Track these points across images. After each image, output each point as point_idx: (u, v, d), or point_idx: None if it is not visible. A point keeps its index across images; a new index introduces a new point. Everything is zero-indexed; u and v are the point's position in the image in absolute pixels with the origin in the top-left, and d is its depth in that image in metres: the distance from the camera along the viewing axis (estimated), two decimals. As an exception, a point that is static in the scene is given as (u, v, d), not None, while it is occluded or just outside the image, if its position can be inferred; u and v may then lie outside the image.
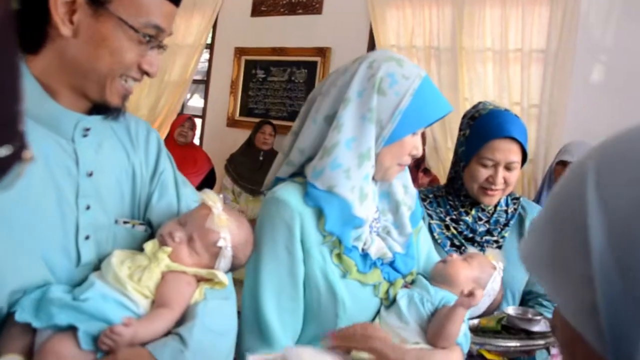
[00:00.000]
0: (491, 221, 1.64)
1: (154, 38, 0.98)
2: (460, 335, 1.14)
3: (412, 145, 1.16)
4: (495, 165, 1.52)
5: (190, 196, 1.19)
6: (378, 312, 1.19)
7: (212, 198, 1.11)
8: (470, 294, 1.12)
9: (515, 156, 1.52)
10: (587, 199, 0.45)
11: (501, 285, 1.34)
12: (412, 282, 1.26)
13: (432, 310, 1.16)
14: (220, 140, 4.99)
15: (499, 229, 1.64)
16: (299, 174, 1.20)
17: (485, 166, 1.53)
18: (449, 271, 1.26)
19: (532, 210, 1.70)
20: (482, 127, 1.53)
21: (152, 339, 0.97)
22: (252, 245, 1.17)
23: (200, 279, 1.08)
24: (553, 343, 1.48)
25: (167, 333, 1.00)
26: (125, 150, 1.11)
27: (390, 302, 1.20)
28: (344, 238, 1.12)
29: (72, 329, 0.90)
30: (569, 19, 3.25)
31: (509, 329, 1.41)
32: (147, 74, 1.01)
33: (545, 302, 1.64)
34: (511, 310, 1.45)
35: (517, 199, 1.71)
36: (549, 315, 1.59)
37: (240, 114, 4.98)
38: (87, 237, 1.02)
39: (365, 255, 1.16)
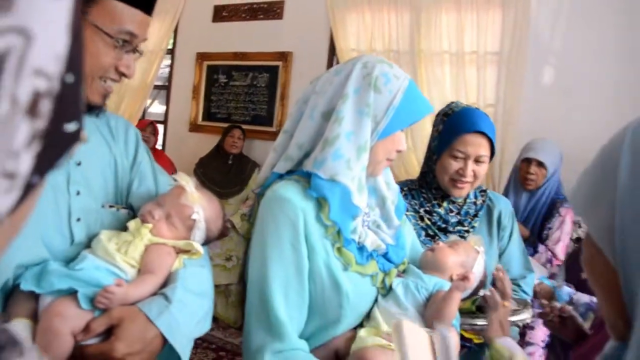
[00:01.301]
0: (461, 212, 1.75)
1: (128, 43, 1.10)
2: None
3: (400, 141, 1.24)
4: (466, 159, 1.63)
5: (166, 182, 1.35)
6: (375, 300, 1.25)
7: (185, 179, 1.27)
8: (465, 278, 1.21)
9: (485, 150, 1.63)
10: (623, 148, 0.59)
11: (484, 268, 1.44)
12: (404, 271, 1.33)
13: (427, 296, 1.24)
14: (183, 146, 4.99)
15: (469, 220, 1.76)
16: (294, 173, 1.23)
17: (456, 158, 1.64)
18: (438, 258, 1.34)
19: (498, 201, 1.83)
20: (454, 123, 1.65)
21: (140, 299, 1.11)
22: (222, 219, 1.34)
23: (179, 251, 1.23)
24: (522, 321, 1.61)
25: (153, 295, 1.15)
26: (107, 144, 1.25)
27: (386, 291, 1.26)
28: (344, 228, 1.16)
29: (71, 294, 1.04)
30: (520, 23, 3.43)
31: (482, 309, 1.52)
32: (125, 75, 1.13)
33: (512, 286, 1.77)
34: (483, 292, 1.56)
35: (484, 191, 1.83)
36: (517, 296, 1.72)
37: (203, 119, 4.99)
38: (78, 220, 1.16)
39: (361, 247, 1.21)
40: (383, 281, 1.26)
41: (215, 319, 4.41)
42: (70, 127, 0.37)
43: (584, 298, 2.11)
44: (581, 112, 3.35)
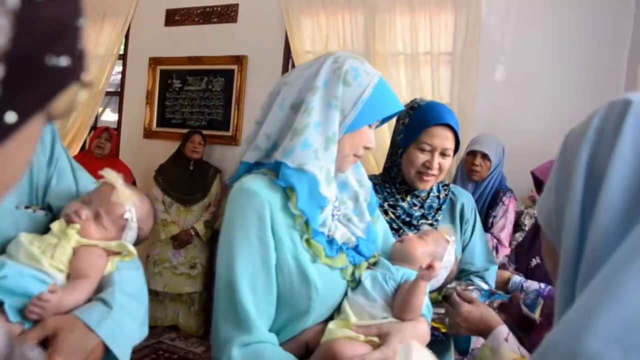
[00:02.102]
0: (425, 206, 1.77)
1: None
2: (423, 307, 1.23)
3: (368, 137, 1.24)
4: (432, 151, 1.65)
5: (87, 179, 1.28)
6: (345, 293, 1.25)
7: (114, 176, 1.21)
8: (430, 267, 1.21)
9: (450, 143, 1.66)
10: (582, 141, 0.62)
11: (455, 256, 1.45)
12: (375, 264, 1.33)
13: (395, 287, 1.24)
14: (137, 153, 4.88)
15: (433, 213, 1.78)
16: (263, 166, 1.23)
17: (423, 151, 1.65)
18: (407, 249, 1.35)
19: (461, 195, 1.86)
20: (421, 116, 1.66)
21: (75, 306, 1.04)
22: (153, 218, 1.28)
23: (109, 253, 1.17)
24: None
25: (87, 302, 1.08)
26: None
27: (356, 284, 1.26)
28: (312, 218, 1.16)
29: None
30: (472, 25, 3.53)
31: (448, 298, 1.55)
32: None
33: (473, 278, 1.80)
34: (454, 284, 1.59)
35: (447, 185, 1.86)
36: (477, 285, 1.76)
37: (158, 125, 4.90)
38: None
39: (331, 240, 1.21)
40: (353, 274, 1.26)
41: (177, 328, 4.34)
42: (56, 61, 0.34)
43: (533, 285, 2.18)
44: (531, 108, 3.47)
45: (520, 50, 3.55)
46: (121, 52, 5.03)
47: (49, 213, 1.18)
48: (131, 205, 1.21)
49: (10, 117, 0.32)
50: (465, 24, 3.55)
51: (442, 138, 1.65)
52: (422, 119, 1.66)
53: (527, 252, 2.46)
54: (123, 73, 5.07)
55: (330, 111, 1.16)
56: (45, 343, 0.97)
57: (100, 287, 1.11)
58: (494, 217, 2.90)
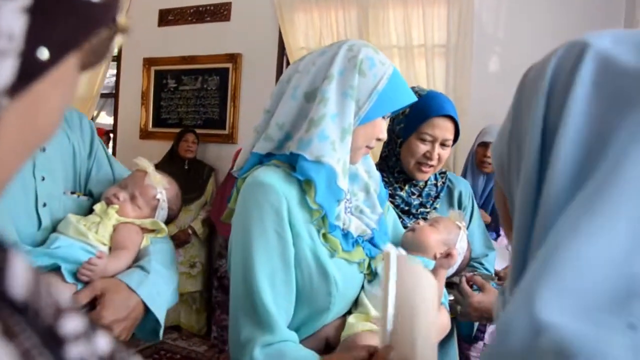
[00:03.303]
0: (423, 194, 1.78)
1: None
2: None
3: (381, 128, 1.21)
4: (433, 142, 1.65)
5: (121, 168, 1.47)
6: (362, 286, 1.23)
7: (146, 163, 1.40)
8: (448, 255, 1.20)
9: (450, 134, 1.67)
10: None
11: (468, 243, 1.44)
12: None
13: None
14: (134, 154, 4.77)
15: (431, 201, 1.79)
16: (274, 157, 1.19)
17: (424, 141, 1.66)
18: (419, 238, 1.33)
19: (458, 183, 1.87)
20: (422, 106, 1.65)
21: (117, 272, 1.21)
22: (180, 200, 1.46)
23: (144, 230, 1.34)
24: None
25: (127, 269, 1.25)
26: (65, 132, 1.31)
27: (373, 276, 1.24)
28: (330, 212, 1.13)
29: (51, 271, 1.12)
30: (465, 16, 3.53)
31: (452, 285, 1.56)
32: None
33: (474, 264, 1.81)
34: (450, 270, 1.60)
35: (444, 173, 1.87)
36: (480, 271, 1.77)
37: (154, 125, 4.89)
38: (44, 205, 1.21)
39: (346, 234, 1.19)
40: (369, 266, 1.24)
41: (178, 328, 4.34)
42: None
43: None
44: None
45: (513, 41, 3.56)
46: (115, 53, 5.02)
47: (90, 198, 1.36)
48: (162, 188, 1.38)
49: (42, 53, 0.30)
50: (458, 15, 3.55)
51: (443, 129, 1.65)
52: (423, 109, 1.66)
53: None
54: (117, 75, 5.06)
55: (346, 101, 1.13)
56: (94, 302, 1.13)
57: (138, 259, 1.28)
58: None
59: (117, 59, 5.03)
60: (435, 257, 1.30)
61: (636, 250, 0.42)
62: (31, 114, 0.33)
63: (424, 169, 1.69)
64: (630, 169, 0.44)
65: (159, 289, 1.23)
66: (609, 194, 0.45)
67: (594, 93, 0.51)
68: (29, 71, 0.30)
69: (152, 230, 1.36)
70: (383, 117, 1.21)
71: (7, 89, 0.29)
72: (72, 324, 0.31)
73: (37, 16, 0.29)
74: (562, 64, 0.56)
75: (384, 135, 1.23)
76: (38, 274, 0.31)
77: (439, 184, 1.82)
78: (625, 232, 0.43)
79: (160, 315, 1.22)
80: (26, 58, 0.30)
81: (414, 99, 1.24)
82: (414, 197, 1.77)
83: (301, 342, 1.13)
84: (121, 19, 0.37)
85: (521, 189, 0.56)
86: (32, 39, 0.30)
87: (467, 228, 1.84)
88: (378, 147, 1.72)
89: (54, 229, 1.23)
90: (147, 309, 1.20)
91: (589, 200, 0.46)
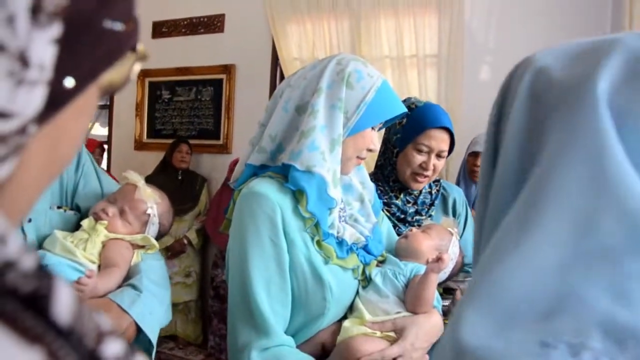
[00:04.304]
0: (418, 202, 1.82)
1: None
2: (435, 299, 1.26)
3: (371, 139, 1.25)
4: (429, 152, 1.70)
5: (109, 181, 1.43)
6: (357, 292, 1.27)
7: (136, 177, 1.34)
8: (439, 259, 1.23)
9: (446, 145, 1.72)
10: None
11: (460, 248, 1.48)
12: (383, 262, 1.35)
13: (406, 282, 1.26)
14: (128, 165, 4.79)
15: (426, 209, 1.83)
16: (269, 169, 1.23)
17: (420, 152, 1.70)
18: (412, 244, 1.37)
19: (452, 191, 1.92)
20: (419, 117, 1.70)
21: (108, 291, 1.17)
22: (172, 215, 1.41)
23: (135, 246, 1.29)
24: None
25: (118, 288, 1.20)
26: None
27: (367, 282, 1.27)
28: (322, 220, 1.17)
29: None
30: (456, 26, 3.59)
31: (449, 291, 1.60)
32: None
33: (468, 269, 1.85)
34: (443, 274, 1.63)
35: (438, 181, 1.91)
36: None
37: (148, 137, 4.91)
38: (29, 220, 1.17)
39: (340, 241, 1.22)
40: (364, 273, 1.27)
41: (175, 337, 4.34)
42: (112, 25, 0.33)
43: None
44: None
45: (504, 50, 3.61)
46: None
47: (77, 213, 1.30)
48: (152, 202, 1.33)
49: (69, 82, 0.31)
50: (449, 26, 3.60)
51: (439, 140, 1.69)
52: (420, 120, 1.70)
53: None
54: (112, 86, 5.07)
55: (335, 113, 1.17)
56: None
57: (129, 276, 1.23)
58: None
59: (111, 70, 5.03)
60: (427, 263, 1.34)
61: (562, 268, 0.42)
62: (54, 142, 0.34)
63: (419, 179, 1.73)
64: (556, 181, 0.45)
65: (152, 308, 1.20)
66: (536, 210, 0.45)
67: (529, 104, 0.53)
68: (56, 100, 0.31)
69: (142, 246, 1.32)
70: (373, 128, 1.25)
71: (36, 117, 0.30)
72: (113, 348, 0.32)
73: (65, 47, 0.30)
74: (513, 76, 0.59)
75: (375, 146, 1.27)
76: (80, 299, 0.32)
77: (433, 192, 1.87)
78: (552, 249, 0.43)
79: (153, 336, 1.19)
80: (54, 87, 0.30)
81: (403, 109, 1.27)
82: (410, 205, 1.81)
83: (298, 347, 1.17)
84: (140, 46, 0.38)
85: (478, 193, 0.59)
86: (61, 69, 0.30)
87: (462, 235, 1.88)
88: (374, 157, 1.77)
89: (40, 245, 1.19)
90: (139, 329, 1.17)
91: (518, 217, 0.47)
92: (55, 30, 0.29)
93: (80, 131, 0.36)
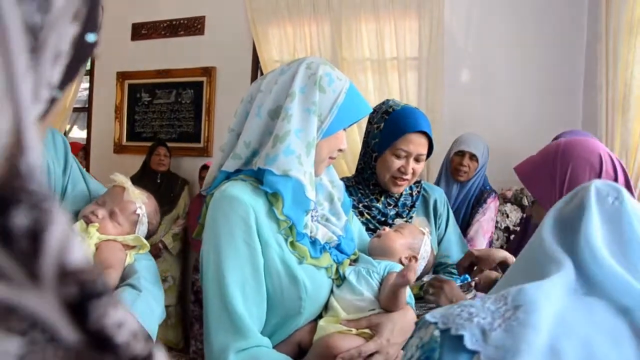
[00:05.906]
0: (399, 204, 1.83)
1: None
2: (407, 296, 1.27)
3: (342, 139, 1.28)
4: (407, 157, 1.70)
5: (96, 184, 1.44)
6: (332, 291, 1.28)
7: (123, 178, 1.37)
8: (413, 257, 1.26)
9: (424, 149, 1.72)
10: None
11: (432, 247, 1.50)
12: (356, 260, 1.37)
13: (380, 280, 1.28)
14: (108, 168, 4.76)
15: (407, 211, 1.83)
16: (241, 173, 1.24)
17: (398, 157, 1.70)
18: (385, 243, 1.39)
19: (433, 191, 1.92)
20: (397, 122, 1.70)
21: None
22: (159, 214, 1.45)
23: (126, 247, 1.32)
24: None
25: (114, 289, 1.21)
26: None
27: (341, 281, 1.29)
28: (298, 222, 1.18)
29: None
30: (435, 29, 3.62)
31: (428, 293, 1.60)
32: None
33: (452, 270, 1.86)
34: (427, 278, 1.64)
35: (419, 182, 1.92)
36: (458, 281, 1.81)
37: (128, 139, 4.86)
38: None
39: (314, 241, 1.24)
40: (337, 271, 1.29)
41: (155, 343, 4.30)
42: (91, 37, 0.36)
43: None
44: (496, 108, 3.58)
45: (482, 53, 3.66)
46: (87, 67, 4.98)
47: None
48: (141, 203, 1.36)
49: (58, 94, 0.35)
50: (429, 29, 3.63)
51: (418, 144, 1.70)
52: (398, 125, 1.70)
53: (515, 252, 2.50)
54: (90, 89, 5.02)
55: (309, 117, 1.19)
56: None
57: (123, 277, 1.24)
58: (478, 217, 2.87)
59: (90, 72, 4.98)
60: (400, 261, 1.36)
61: None
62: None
63: (398, 182, 1.74)
64: None
65: (151, 306, 1.21)
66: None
67: None
68: (47, 111, 0.34)
69: (133, 247, 1.34)
70: (344, 129, 1.28)
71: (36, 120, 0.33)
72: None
73: (65, 67, 0.34)
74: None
75: (345, 146, 1.30)
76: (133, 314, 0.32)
77: (414, 194, 1.87)
78: None
79: (153, 334, 1.21)
80: (50, 101, 0.34)
81: (370, 110, 1.32)
82: (390, 207, 1.81)
83: (274, 347, 1.18)
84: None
85: None
86: (60, 86, 0.34)
87: (444, 235, 1.89)
88: (354, 160, 1.77)
89: None
90: None
91: None
92: (69, 56, 0.33)
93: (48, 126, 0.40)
